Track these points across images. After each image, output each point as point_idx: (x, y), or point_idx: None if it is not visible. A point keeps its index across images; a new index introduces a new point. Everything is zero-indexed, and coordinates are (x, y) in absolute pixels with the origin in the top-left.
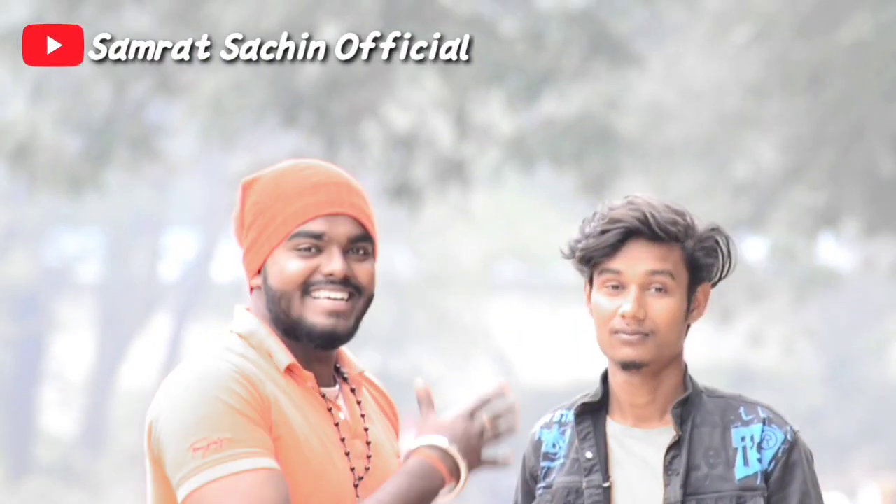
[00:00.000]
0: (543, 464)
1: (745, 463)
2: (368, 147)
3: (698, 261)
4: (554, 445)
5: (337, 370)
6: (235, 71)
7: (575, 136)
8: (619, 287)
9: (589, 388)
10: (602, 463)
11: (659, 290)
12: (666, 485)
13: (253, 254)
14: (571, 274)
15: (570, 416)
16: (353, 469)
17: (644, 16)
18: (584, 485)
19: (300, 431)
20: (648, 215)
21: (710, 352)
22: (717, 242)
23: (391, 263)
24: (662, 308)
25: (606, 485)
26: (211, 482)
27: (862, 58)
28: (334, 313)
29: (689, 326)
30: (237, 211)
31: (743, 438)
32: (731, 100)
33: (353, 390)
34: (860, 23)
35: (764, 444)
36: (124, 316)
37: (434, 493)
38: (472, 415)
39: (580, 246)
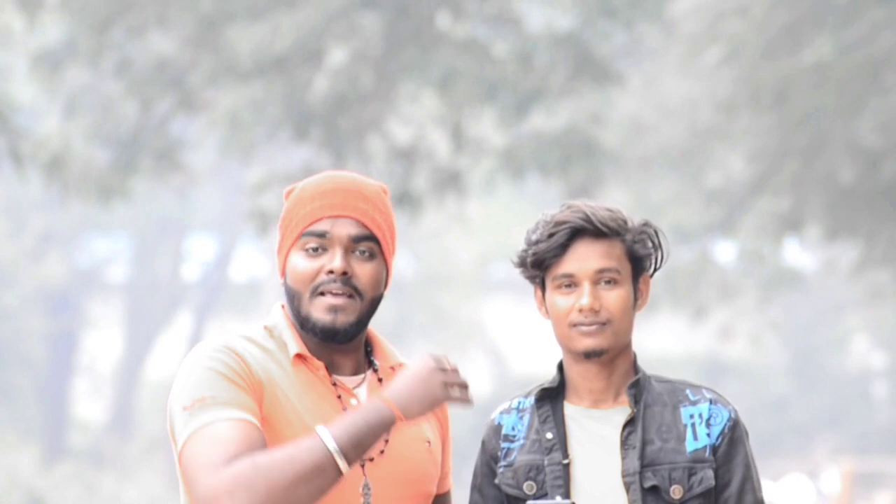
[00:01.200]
0: (504, 444)
1: (695, 438)
2: (373, 159)
3: (637, 252)
4: (513, 429)
5: (371, 362)
6: (250, 89)
7: (561, 148)
8: (571, 286)
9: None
10: (561, 442)
11: (608, 282)
12: (623, 458)
13: (280, 255)
14: None
15: (527, 403)
16: None
17: (624, 38)
18: (546, 462)
19: (293, 414)
20: (590, 214)
21: (684, 345)
22: (648, 236)
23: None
24: (615, 298)
25: (566, 461)
26: (192, 434)
27: (823, 77)
28: (333, 309)
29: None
30: None
31: (691, 416)
32: (704, 115)
33: (380, 380)
34: (821, 45)
35: (712, 421)
36: (149, 313)
37: (383, 425)
38: (436, 360)
39: (531, 252)
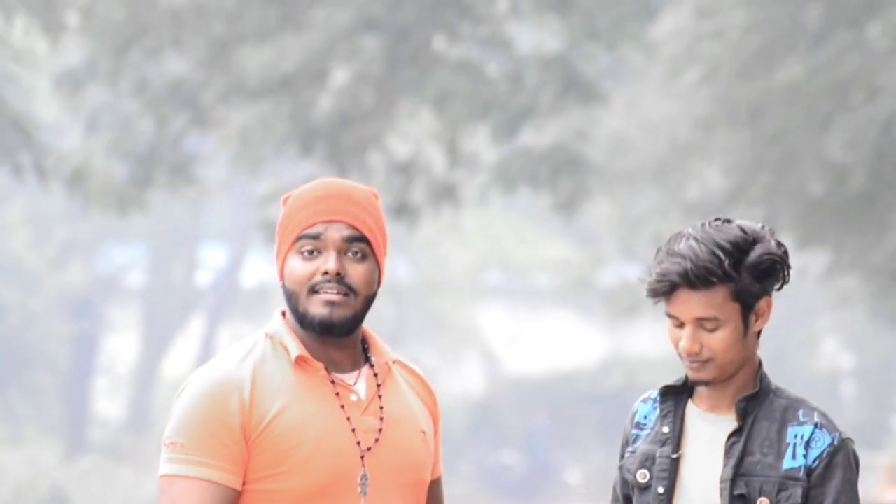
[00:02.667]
0: (634, 431)
1: (793, 457)
2: (374, 173)
3: (747, 290)
4: (645, 417)
5: (367, 358)
6: (259, 107)
7: (549, 163)
8: (679, 325)
9: (562, 380)
10: (675, 437)
11: (710, 328)
12: (724, 465)
13: (277, 259)
14: (547, 281)
15: None
16: (359, 443)
17: (608, 60)
18: (658, 454)
19: (296, 418)
20: (689, 270)
21: (664, 346)
22: (773, 264)
23: (392, 272)
24: (717, 341)
25: (675, 456)
26: (161, 475)
27: (794, 96)
28: (329, 303)
29: (759, 333)
30: None
31: (796, 436)
32: (683, 131)
33: (375, 374)
34: (793, 66)
35: (812, 444)
36: (165, 317)
37: None
38: None
39: (647, 288)
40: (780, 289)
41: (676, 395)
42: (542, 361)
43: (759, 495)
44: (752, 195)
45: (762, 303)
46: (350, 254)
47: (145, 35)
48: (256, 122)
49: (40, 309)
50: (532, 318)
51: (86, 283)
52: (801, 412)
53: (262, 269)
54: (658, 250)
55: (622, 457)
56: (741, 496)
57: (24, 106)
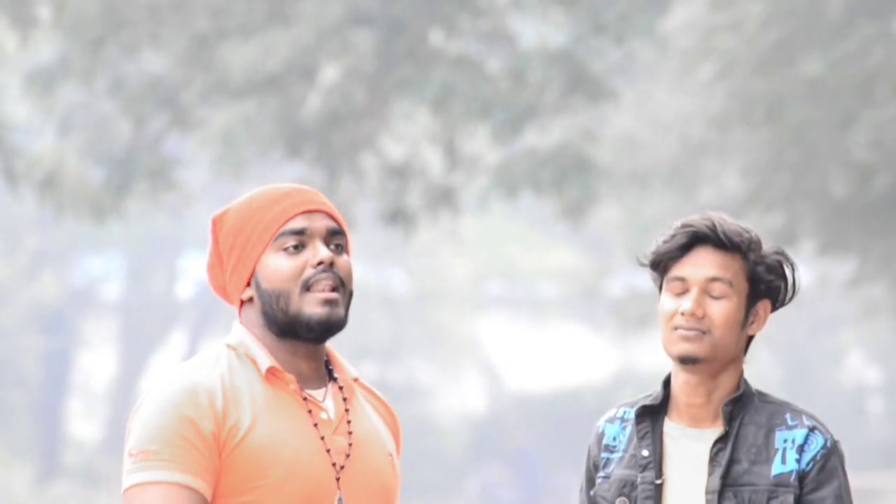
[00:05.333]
0: (604, 455)
1: (783, 461)
2: (366, 176)
3: (759, 275)
4: (614, 439)
5: (330, 373)
6: (244, 107)
7: (554, 165)
8: (682, 291)
9: (567, 395)
10: (656, 461)
11: (718, 294)
12: (709, 475)
13: (240, 270)
14: (552, 291)
15: (632, 414)
16: (334, 464)
17: (618, 55)
18: (639, 480)
19: (268, 434)
20: (717, 223)
21: None
22: (779, 263)
23: (388, 282)
24: (720, 310)
25: (659, 482)
26: (129, 487)
27: (815, 91)
28: (329, 302)
29: (750, 338)
30: (211, 246)
31: (785, 441)
32: (697, 130)
33: (340, 388)
34: (813, 60)
35: (805, 448)
36: (144, 332)
37: None
38: None
39: (652, 252)
40: (780, 304)
41: (653, 415)
42: (547, 377)
43: None
44: (771, 198)
45: (762, 304)
46: (333, 246)
47: (122, 30)
48: (240, 123)
49: (10, 323)
50: (536, 330)
51: (59, 296)
52: (788, 416)
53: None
54: (665, 231)
55: (590, 482)
56: None
57: None
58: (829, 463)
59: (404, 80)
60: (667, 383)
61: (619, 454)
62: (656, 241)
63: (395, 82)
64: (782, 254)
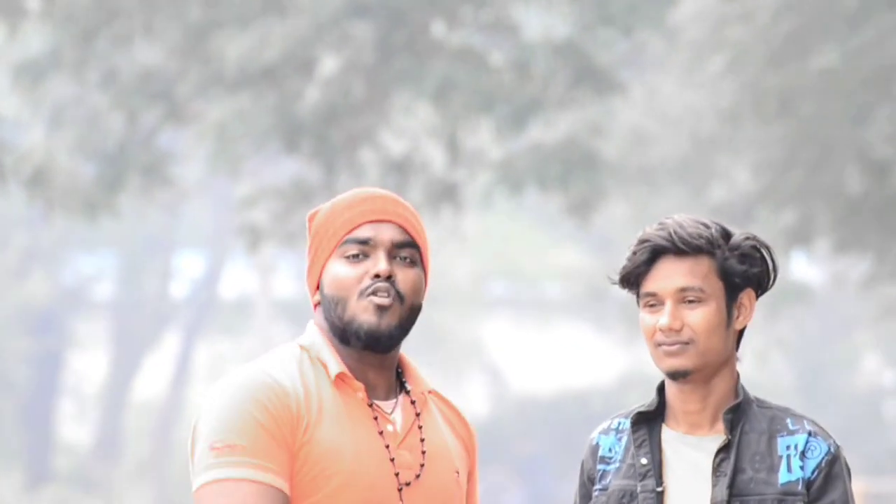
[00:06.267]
0: (600, 467)
1: (789, 469)
2: (366, 171)
3: (731, 268)
4: (610, 450)
5: (402, 385)
6: (239, 100)
7: (560, 160)
8: (656, 305)
9: (572, 399)
10: (656, 468)
11: (692, 301)
12: (713, 485)
13: (312, 271)
14: (558, 291)
15: (627, 424)
16: (397, 475)
17: (625, 47)
18: (639, 489)
19: (334, 439)
20: (672, 232)
21: None
22: (753, 248)
23: None
24: (697, 317)
25: (660, 489)
26: (213, 481)
27: (830, 84)
28: (380, 308)
29: (740, 333)
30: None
31: (788, 447)
32: (707, 125)
33: (413, 402)
34: (828, 52)
35: (808, 454)
36: (137, 333)
37: None
38: None
39: (621, 270)
40: (763, 290)
41: (649, 422)
42: (552, 380)
43: None
44: (784, 195)
45: (745, 295)
46: (399, 258)
47: (114, 21)
48: (236, 117)
49: None
50: (541, 331)
51: (49, 296)
52: (789, 421)
53: (243, 280)
54: (630, 245)
55: (585, 497)
56: None
57: None
58: (834, 469)
59: (404, 72)
60: (661, 389)
61: (617, 465)
62: (626, 255)
63: (394, 75)
64: (753, 238)
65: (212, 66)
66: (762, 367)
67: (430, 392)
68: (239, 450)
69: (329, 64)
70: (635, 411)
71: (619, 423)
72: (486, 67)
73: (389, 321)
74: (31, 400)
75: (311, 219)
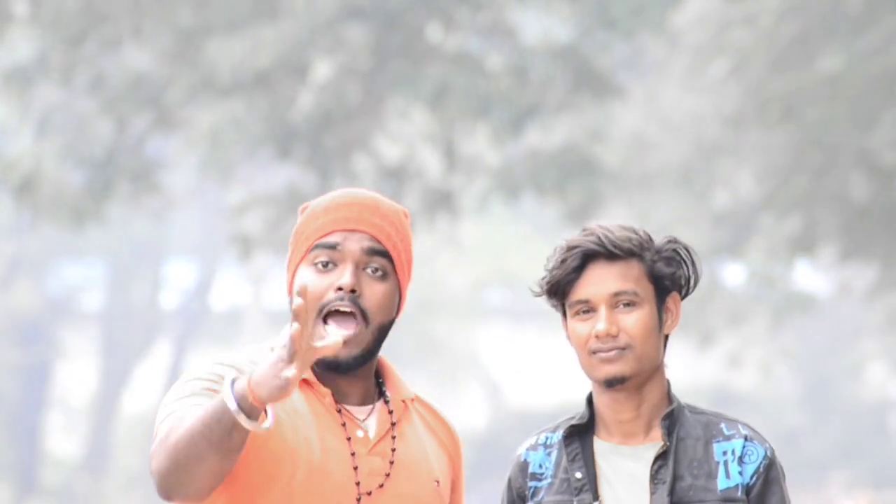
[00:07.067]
0: (531, 483)
1: (727, 475)
2: (360, 178)
3: (660, 271)
4: (541, 466)
5: (382, 392)
6: (231, 106)
7: (558, 166)
8: (589, 311)
9: (573, 411)
10: (591, 482)
11: (627, 305)
12: (652, 493)
13: (287, 272)
14: None
15: (555, 438)
16: (358, 483)
17: (626, 51)
18: (575, 503)
19: (298, 434)
20: (602, 236)
21: (690, 374)
22: (675, 252)
23: None
24: (634, 321)
25: (596, 503)
26: (167, 405)
27: (835, 88)
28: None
29: (666, 338)
30: None
31: (724, 452)
32: (710, 130)
33: (390, 412)
34: (833, 55)
35: (745, 459)
36: (126, 343)
37: (219, 416)
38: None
39: (546, 279)
40: (687, 292)
41: (581, 435)
42: (551, 391)
43: None
44: (788, 202)
45: (671, 299)
46: (369, 270)
47: (102, 25)
48: (228, 123)
49: None
50: (539, 342)
51: (36, 306)
52: (723, 426)
53: (234, 289)
54: (550, 255)
55: None
56: None
57: None
58: (771, 474)
59: (400, 77)
60: (590, 401)
61: (549, 480)
62: (546, 265)
63: (390, 79)
64: (674, 241)
65: (202, 71)
66: (766, 379)
67: (413, 399)
68: (204, 378)
69: (323, 68)
70: (566, 424)
71: (547, 438)
72: (484, 72)
73: (349, 352)
74: (18, 412)
75: (302, 211)
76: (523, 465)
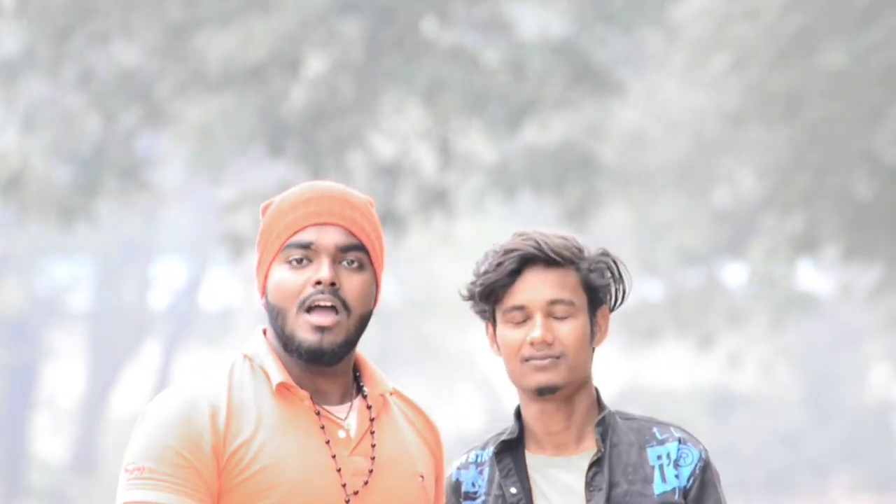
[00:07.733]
0: (465, 503)
1: (663, 479)
2: (354, 175)
3: (593, 282)
4: (473, 485)
5: (360, 388)
6: (221, 101)
7: (556, 164)
8: (523, 318)
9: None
10: (526, 496)
11: (562, 314)
12: (588, 501)
13: (259, 272)
14: None
15: (486, 456)
16: (344, 485)
17: (624, 45)
18: None
19: (274, 452)
20: (541, 242)
21: (689, 376)
22: (606, 265)
23: None
24: (569, 330)
25: None
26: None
27: (838, 84)
28: (320, 329)
29: (593, 351)
30: None
31: (659, 457)
32: (710, 127)
33: (369, 407)
34: (836, 51)
35: (681, 462)
36: (114, 343)
37: None
38: None
39: (479, 283)
40: (615, 306)
41: (512, 450)
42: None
43: None
44: (790, 200)
45: (601, 313)
46: (345, 263)
47: (90, 19)
48: (218, 119)
49: None
50: None
51: (23, 305)
52: (655, 430)
53: (225, 289)
54: (481, 259)
55: None
56: None
57: None
58: (706, 476)
59: (394, 72)
60: (518, 415)
61: (483, 498)
62: (476, 269)
63: (384, 74)
64: (606, 253)
65: (192, 65)
66: (767, 380)
67: (392, 393)
68: (147, 472)
69: (315, 63)
70: (496, 440)
71: (478, 456)
72: (480, 67)
73: (333, 339)
74: (5, 413)
75: (263, 211)
76: (455, 486)
